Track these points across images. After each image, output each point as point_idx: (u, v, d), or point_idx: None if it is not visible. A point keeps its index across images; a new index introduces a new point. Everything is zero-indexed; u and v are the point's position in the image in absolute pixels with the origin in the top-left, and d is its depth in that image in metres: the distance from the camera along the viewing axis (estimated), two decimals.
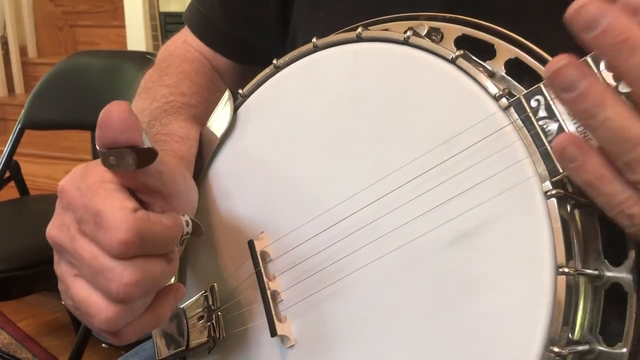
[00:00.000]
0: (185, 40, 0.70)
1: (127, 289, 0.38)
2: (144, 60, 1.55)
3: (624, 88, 0.32)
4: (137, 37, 2.56)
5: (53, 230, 0.41)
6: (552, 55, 0.39)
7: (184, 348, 0.53)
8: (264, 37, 0.65)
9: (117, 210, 0.38)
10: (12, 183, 1.65)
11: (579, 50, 0.37)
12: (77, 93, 1.61)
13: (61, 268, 0.42)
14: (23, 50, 3.11)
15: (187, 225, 0.42)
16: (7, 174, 1.62)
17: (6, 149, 1.62)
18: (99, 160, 0.40)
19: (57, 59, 2.02)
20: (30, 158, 2.27)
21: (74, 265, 0.41)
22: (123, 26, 2.64)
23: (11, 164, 1.62)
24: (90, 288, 0.39)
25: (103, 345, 1.69)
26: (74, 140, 2.38)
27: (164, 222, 0.40)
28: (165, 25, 2.52)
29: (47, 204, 1.68)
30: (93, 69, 1.60)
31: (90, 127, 1.76)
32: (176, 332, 0.55)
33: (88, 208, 0.38)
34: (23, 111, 1.63)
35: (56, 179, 2.36)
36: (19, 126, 1.63)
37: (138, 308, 0.40)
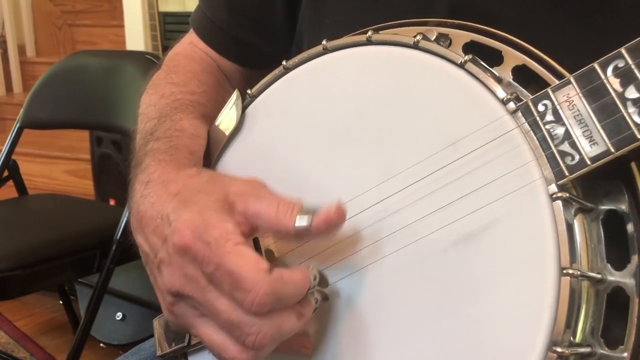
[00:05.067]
0: (191, 42, 0.70)
1: (262, 342, 0.40)
2: (143, 60, 1.55)
3: (631, 94, 0.33)
4: (136, 37, 2.55)
5: (177, 281, 0.42)
6: (559, 62, 0.40)
7: (185, 344, 0.53)
8: (270, 42, 0.66)
9: (254, 273, 0.39)
10: (11, 182, 1.64)
11: (584, 57, 0.38)
12: (75, 93, 1.60)
13: (181, 310, 0.44)
14: (21, 50, 3.10)
15: (315, 279, 0.43)
16: (6, 173, 1.61)
17: (4, 148, 1.61)
18: (211, 205, 0.42)
19: (56, 58, 2.02)
20: (28, 157, 2.27)
21: (197, 309, 0.42)
22: (122, 26, 2.63)
23: (10, 164, 1.62)
24: (222, 333, 0.41)
25: (101, 345, 1.69)
26: (73, 139, 2.37)
27: (295, 279, 0.41)
28: (164, 25, 2.51)
29: (45, 203, 1.68)
30: (92, 69, 1.60)
31: (89, 126, 1.77)
32: None
33: (221, 267, 0.39)
34: (22, 110, 1.63)
35: (54, 178, 2.36)
36: (17, 125, 1.62)
37: (269, 351, 0.42)
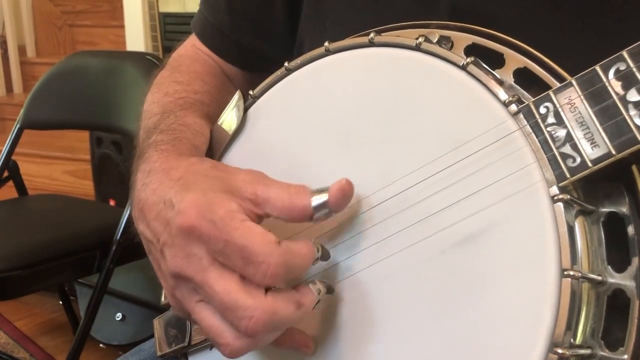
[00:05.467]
0: (194, 44, 0.70)
1: (255, 327, 0.40)
2: (143, 60, 1.55)
3: (632, 97, 0.33)
4: (136, 38, 2.55)
5: (179, 261, 0.42)
6: (560, 65, 0.40)
7: (185, 344, 0.53)
8: (271, 45, 0.66)
9: (264, 245, 0.39)
10: (11, 183, 1.64)
11: (585, 59, 0.38)
12: (76, 93, 1.61)
13: (182, 293, 0.44)
14: (22, 50, 3.11)
15: (318, 251, 0.44)
16: (6, 174, 1.61)
17: (5, 149, 1.61)
18: (214, 187, 0.42)
19: (56, 58, 2.03)
20: (28, 158, 2.27)
21: (197, 292, 0.42)
22: (122, 26, 2.63)
23: (10, 164, 1.62)
24: (219, 317, 0.41)
25: (101, 345, 1.69)
26: (73, 140, 2.37)
27: (302, 251, 0.42)
28: (164, 25, 2.51)
29: (45, 203, 1.68)
30: (92, 69, 1.60)
31: (89, 127, 1.77)
32: (178, 328, 0.55)
33: (230, 243, 0.40)
34: (22, 111, 1.63)
35: (54, 178, 2.36)
36: (17, 126, 1.63)
37: (265, 341, 0.42)
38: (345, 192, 0.42)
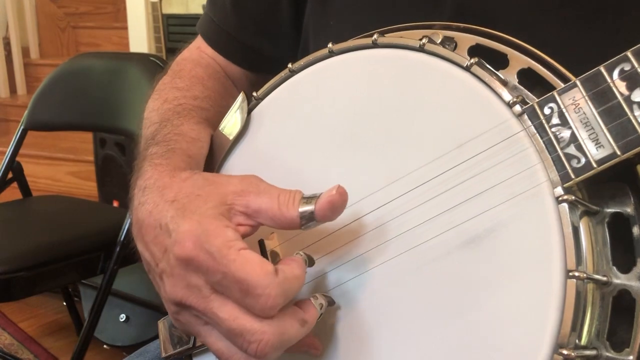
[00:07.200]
0: (198, 47, 0.71)
1: (265, 350, 0.40)
2: (146, 62, 1.55)
3: (637, 97, 0.33)
4: (139, 39, 2.56)
5: (179, 291, 0.42)
6: (564, 64, 0.40)
7: (190, 346, 0.53)
8: (277, 46, 0.66)
9: (263, 277, 0.39)
10: (15, 184, 1.65)
11: (589, 59, 0.38)
12: (79, 94, 1.61)
13: (186, 318, 0.44)
14: (25, 51, 3.11)
15: (306, 263, 0.44)
16: (10, 175, 1.62)
17: (9, 150, 1.61)
18: (209, 212, 0.42)
19: (59, 60, 2.03)
20: (32, 159, 2.27)
21: (201, 318, 0.43)
22: (125, 28, 2.64)
23: (14, 165, 1.62)
24: (227, 341, 0.42)
25: (105, 346, 1.69)
26: (76, 141, 2.38)
27: (296, 273, 0.42)
28: (167, 27, 2.52)
29: (49, 205, 1.68)
30: (96, 71, 1.60)
31: (92, 128, 1.77)
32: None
33: (228, 275, 0.40)
34: (26, 112, 1.64)
35: (58, 180, 2.36)
36: (21, 127, 1.63)
37: (273, 358, 0.42)
38: (334, 204, 0.41)
